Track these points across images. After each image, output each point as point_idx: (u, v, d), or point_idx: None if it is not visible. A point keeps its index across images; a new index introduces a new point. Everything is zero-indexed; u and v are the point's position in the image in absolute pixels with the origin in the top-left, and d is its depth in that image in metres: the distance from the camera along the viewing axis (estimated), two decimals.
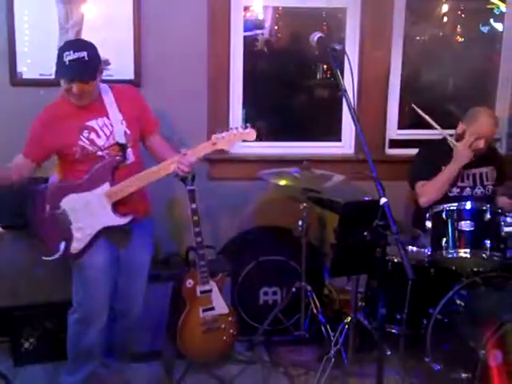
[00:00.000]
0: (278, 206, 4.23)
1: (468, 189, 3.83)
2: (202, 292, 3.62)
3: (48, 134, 3.08)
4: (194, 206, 3.55)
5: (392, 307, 3.51)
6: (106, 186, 3.10)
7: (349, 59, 2.69)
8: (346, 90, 2.53)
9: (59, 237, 3.10)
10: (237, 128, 3.20)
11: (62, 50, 2.99)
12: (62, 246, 3.10)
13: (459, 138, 3.78)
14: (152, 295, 3.56)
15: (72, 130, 3.10)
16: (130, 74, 3.91)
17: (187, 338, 3.64)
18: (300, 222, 3.76)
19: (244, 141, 3.24)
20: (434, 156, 3.86)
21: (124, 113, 3.18)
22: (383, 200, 2.35)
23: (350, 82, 2.59)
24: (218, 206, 4.20)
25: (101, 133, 3.13)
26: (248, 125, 3.21)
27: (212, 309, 3.65)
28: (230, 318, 3.69)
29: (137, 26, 3.92)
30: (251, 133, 3.20)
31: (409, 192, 4.02)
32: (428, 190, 3.72)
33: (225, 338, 3.69)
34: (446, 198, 3.68)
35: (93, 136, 3.11)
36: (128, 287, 3.35)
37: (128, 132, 3.18)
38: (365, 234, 2.48)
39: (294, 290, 3.84)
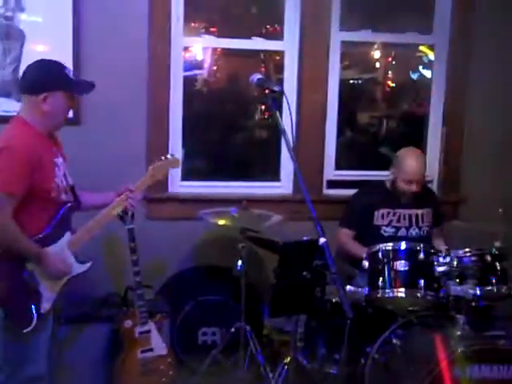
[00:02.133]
0: (216, 245, 4.23)
1: (403, 229, 3.91)
2: (140, 333, 3.56)
3: (34, 165, 2.74)
4: (132, 244, 3.53)
5: (330, 347, 3.53)
6: (67, 235, 2.95)
7: (287, 100, 2.76)
8: (284, 131, 2.58)
9: (28, 301, 2.81)
10: (165, 157, 3.34)
11: (60, 67, 2.87)
12: (33, 309, 2.81)
13: (393, 184, 3.89)
14: (89, 336, 3.49)
15: (49, 165, 2.86)
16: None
17: (125, 379, 3.57)
18: (239, 262, 3.76)
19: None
20: (366, 202, 3.94)
21: (63, 156, 3.04)
22: (322, 240, 2.38)
23: (288, 122, 2.65)
24: (156, 245, 4.14)
25: (60, 172, 2.93)
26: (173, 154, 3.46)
27: (151, 350, 3.59)
28: (168, 360, 3.64)
29: (76, 63, 3.89)
30: (176, 160, 3.41)
31: None
32: (344, 244, 3.85)
33: (163, 379, 3.63)
34: (380, 238, 3.76)
35: (58, 177, 2.89)
36: None
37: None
38: (304, 273, 2.50)
39: (233, 330, 3.81)
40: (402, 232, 3.90)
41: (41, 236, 2.84)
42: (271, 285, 3.01)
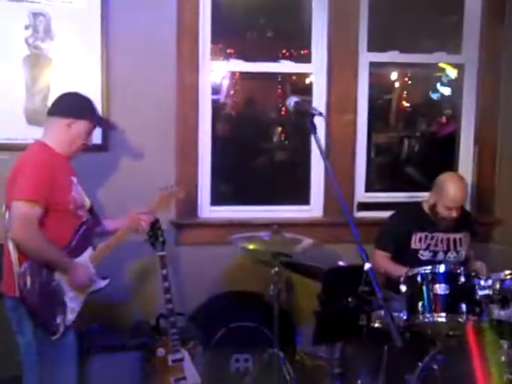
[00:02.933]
0: (248, 270, 4.16)
1: (441, 253, 3.85)
2: (173, 361, 3.52)
3: (53, 176, 2.94)
4: (164, 271, 3.50)
5: (368, 374, 3.44)
6: (89, 250, 3.07)
7: (326, 123, 2.71)
8: (326, 155, 2.53)
9: (54, 311, 2.93)
10: (166, 188, 3.46)
11: (90, 102, 3.16)
12: (59, 320, 2.93)
13: (432, 210, 3.82)
14: (121, 365, 3.44)
15: (66, 179, 3.05)
16: (98, 139, 3.82)
17: None
18: (271, 287, 3.70)
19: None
20: (404, 222, 3.88)
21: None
22: (367, 265, 2.31)
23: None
24: (187, 271, 4.11)
25: (77, 191, 3.09)
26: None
27: (184, 378, 3.54)
28: None
29: (104, 90, 3.90)
30: (180, 191, 3.52)
31: None
32: (381, 266, 3.74)
33: None
34: (418, 262, 3.68)
35: (75, 192, 3.06)
36: None
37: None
38: (349, 300, 2.43)
39: (265, 356, 3.74)
40: (440, 256, 3.84)
41: (69, 247, 2.98)
42: (315, 312, 2.94)
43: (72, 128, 3.04)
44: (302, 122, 2.61)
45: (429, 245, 3.84)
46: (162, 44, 4.03)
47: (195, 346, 3.64)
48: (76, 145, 3.08)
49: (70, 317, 2.97)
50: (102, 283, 3.10)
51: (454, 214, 3.76)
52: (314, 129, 2.55)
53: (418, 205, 3.93)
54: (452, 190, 3.74)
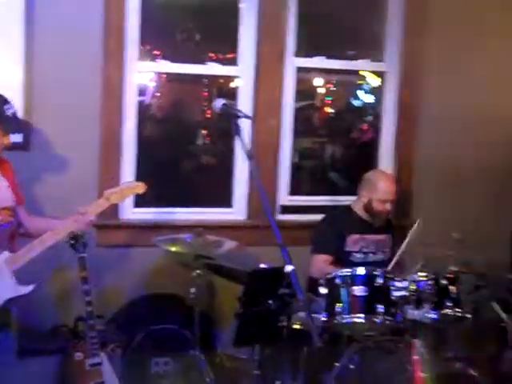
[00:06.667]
0: (170, 273, 4.13)
1: (371, 254, 3.96)
2: (91, 365, 3.43)
3: None
4: (84, 273, 3.42)
5: (287, 375, 3.48)
6: (4, 254, 2.92)
7: (252, 125, 2.74)
8: (252, 157, 2.56)
9: None
10: (128, 182, 3.37)
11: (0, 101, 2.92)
12: None
13: (367, 207, 3.92)
14: (37, 370, 3.35)
15: None
16: (18, 137, 3.69)
17: None
18: (193, 289, 3.69)
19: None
20: (338, 226, 3.95)
21: (7, 179, 3.07)
22: (289, 267, 2.34)
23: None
24: (107, 273, 4.04)
25: None
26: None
27: (102, 383, 3.46)
28: None
29: (27, 91, 3.82)
30: (141, 185, 3.32)
31: (301, 258, 4.06)
32: (322, 271, 3.73)
33: None
34: (351, 264, 3.75)
35: None
36: None
37: (14, 198, 3.07)
38: (270, 302, 2.46)
39: (186, 359, 3.73)
40: (370, 258, 3.94)
41: None
42: (236, 314, 2.95)
43: None
44: (228, 124, 2.63)
45: (361, 247, 3.93)
46: (88, 43, 3.96)
47: (114, 350, 3.58)
48: None
49: None
50: (23, 290, 2.94)
51: (388, 206, 3.90)
52: (239, 131, 2.58)
53: (348, 208, 4.03)
54: (384, 182, 3.90)
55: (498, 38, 4.65)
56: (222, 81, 4.86)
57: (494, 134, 4.69)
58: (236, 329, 3.01)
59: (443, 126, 4.58)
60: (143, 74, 4.35)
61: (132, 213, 4.20)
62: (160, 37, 4.54)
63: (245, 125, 4.03)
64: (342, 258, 3.89)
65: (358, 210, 3.98)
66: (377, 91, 4.89)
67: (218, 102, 2.65)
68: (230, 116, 2.59)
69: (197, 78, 4.69)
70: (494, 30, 4.64)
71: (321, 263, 3.87)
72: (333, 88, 5.28)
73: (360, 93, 5.22)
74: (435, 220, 4.37)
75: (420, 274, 3.35)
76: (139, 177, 4.22)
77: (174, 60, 4.41)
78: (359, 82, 5.11)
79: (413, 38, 4.52)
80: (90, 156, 4.01)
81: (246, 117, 2.57)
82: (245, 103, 4.32)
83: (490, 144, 4.67)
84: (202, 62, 4.47)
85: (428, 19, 4.49)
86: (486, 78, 4.64)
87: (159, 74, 4.63)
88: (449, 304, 3.32)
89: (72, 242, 3.36)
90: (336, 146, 5.21)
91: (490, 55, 4.65)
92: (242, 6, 4.34)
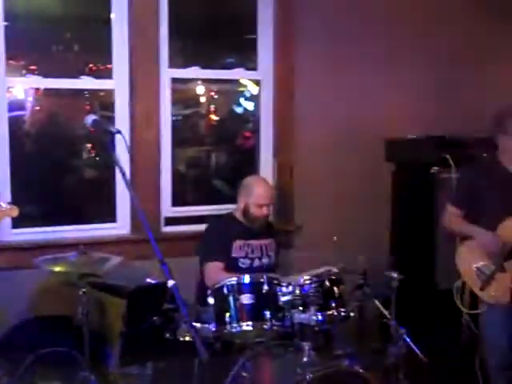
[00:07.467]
0: (56, 293, 3.99)
1: (257, 260, 3.99)
2: None
3: None
4: None
5: None
6: None
7: (125, 140, 2.71)
8: (124, 173, 2.54)
9: None
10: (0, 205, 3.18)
11: None
12: None
13: (245, 212, 3.96)
14: None
15: None
16: None
17: None
18: (80, 309, 3.59)
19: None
20: (223, 232, 3.97)
21: None
22: (171, 282, 2.34)
23: (124, 162, 2.62)
24: None
25: None
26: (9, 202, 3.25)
27: None
28: None
29: None
30: (14, 208, 3.22)
31: (188, 268, 4.06)
32: (219, 278, 3.71)
33: None
34: (239, 270, 3.79)
35: None
36: None
37: None
38: (154, 319, 2.44)
39: (77, 381, 3.62)
40: (256, 263, 3.98)
41: None
42: (120, 332, 2.90)
43: None
44: (102, 139, 2.60)
45: (247, 252, 3.95)
46: None
47: (0, 378, 3.43)
48: None
49: None
50: None
51: (265, 211, 3.94)
52: (112, 147, 2.55)
53: (230, 214, 4.06)
54: (259, 187, 3.96)
55: (375, 46, 4.89)
56: (102, 94, 4.77)
57: (365, 137, 4.87)
58: (120, 348, 2.96)
59: (317, 130, 4.74)
60: (16, 90, 4.21)
61: (11, 234, 4.06)
62: (34, 51, 4.41)
63: (124, 138, 4.04)
64: (230, 265, 3.91)
65: (239, 216, 4.02)
66: (256, 98, 4.97)
67: (89, 118, 2.63)
68: (101, 132, 2.56)
69: (77, 92, 4.59)
70: (365, 39, 4.86)
71: (214, 270, 3.86)
72: (216, 96, 5.31)
73: (242, 100, 5.28)
74: (317, 222, 4.51)
75: (305, 277, 3.43)
76: (15, 195, 4.09)
77: (49, 74, 4.30)
78: (240, 89, 5.17)
79: (284, 47, 4.64)
80: None
81: (118, 132, 2.54)
82: (122, 116, 4.28)
83: (361, 145, 4.86)
84: (81, 73, 4.39)
85: (298, 28, 4.63)
86: (357, 84, 4.83)
87: (37, 89, 4.48)
88: (333, 305, 3.40)
89: None
90: (221, 154, 5.25)
91: (362, 62, 4.85)
92: (112, 16, 4.29)
